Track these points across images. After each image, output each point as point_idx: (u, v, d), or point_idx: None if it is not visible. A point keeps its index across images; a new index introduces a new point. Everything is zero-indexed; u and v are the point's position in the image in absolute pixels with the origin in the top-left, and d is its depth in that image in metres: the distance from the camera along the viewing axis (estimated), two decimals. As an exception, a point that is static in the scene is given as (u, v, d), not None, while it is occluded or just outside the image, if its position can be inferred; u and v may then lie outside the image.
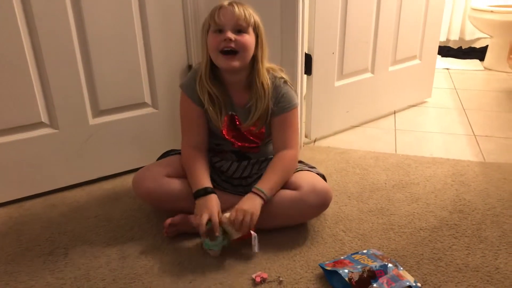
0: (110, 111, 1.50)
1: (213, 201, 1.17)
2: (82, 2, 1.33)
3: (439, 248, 1.17)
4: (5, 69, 1.29)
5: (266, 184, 1.18)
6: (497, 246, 1.18)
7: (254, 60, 1.22)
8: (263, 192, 1.16)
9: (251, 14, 1.18)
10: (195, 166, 1.24)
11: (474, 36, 3.29)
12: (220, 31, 1.17)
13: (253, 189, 1.18)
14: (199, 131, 1.29)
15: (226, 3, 1.19)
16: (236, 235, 1.14)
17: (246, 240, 1.15)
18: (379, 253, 1.11)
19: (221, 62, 1.19)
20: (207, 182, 1.21)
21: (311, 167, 1.33)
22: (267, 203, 1.17)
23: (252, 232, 1.13)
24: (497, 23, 2.73)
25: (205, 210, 1.14)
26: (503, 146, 1.79)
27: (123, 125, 1.52)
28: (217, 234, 1.12)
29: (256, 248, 1.13)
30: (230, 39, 1.15)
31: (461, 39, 3.35)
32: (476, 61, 3.06)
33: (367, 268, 1.01)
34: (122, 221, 1.32)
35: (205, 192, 1.18)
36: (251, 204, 1.14)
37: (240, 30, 1.17)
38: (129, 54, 1.46)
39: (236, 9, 1.16)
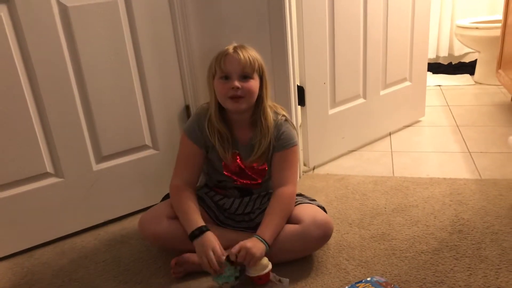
0: (113, 156, 1.54)
1: (211, 237, 1.18)
2: (80, 54, 1.39)
3: (441, 271, 1.20)
4: (9, 124, 1.35)
5: (267, 231, 1.20)
6: (498, 265, 1.20)
7: (259, 99, 1.27)
8: (264, 241, 1.18)
9: (255, 59, 1.22)
10: (187, 205, 1.25)
11: (463, 51, 3.37)
12: (227, 77, 1.21)
13: (255, 236, 1.20)
14: (194, 170, 1.32)
15: (231, 49, 1.22)
16: (251, 273, 1.16)
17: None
18: (382, 280, 1.13)
19: (229, 105, 1.24)
20: (200, 221, 1.22)
21: (311, 200, 1.36)
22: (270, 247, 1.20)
23: (270, 273, 1.17)
24: (483, 39, 2.80)
25: (207, 248, 1.15)
26: (498, 161, 1.82)
27: (125, 168, 1.57)
28: (221, 266, 1.14)
29: (282, 282, 1.17)
30: (238, 88, 1.20)
31: (450, 55, 3.42)
32: (467, 76, 3.12)
33: (371, 297, 1.04)
34: (130, 264, 1.35)
35: (200, 231, 1.19)
36: (254, 245, 1.15)
37: (245, 76, 1.21)
38: (128, 100, 1.51)
39: (242, 56, 1.20)
